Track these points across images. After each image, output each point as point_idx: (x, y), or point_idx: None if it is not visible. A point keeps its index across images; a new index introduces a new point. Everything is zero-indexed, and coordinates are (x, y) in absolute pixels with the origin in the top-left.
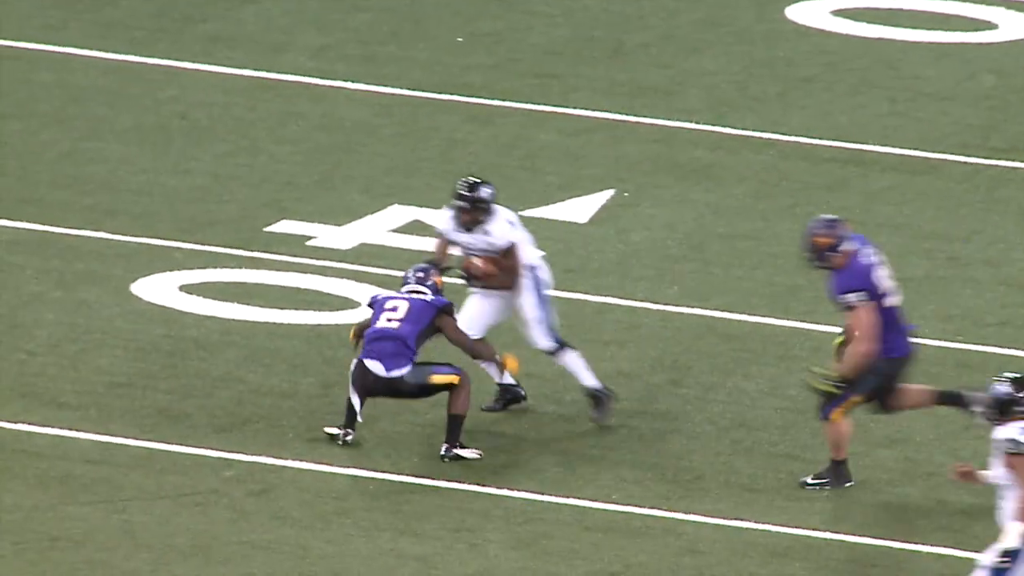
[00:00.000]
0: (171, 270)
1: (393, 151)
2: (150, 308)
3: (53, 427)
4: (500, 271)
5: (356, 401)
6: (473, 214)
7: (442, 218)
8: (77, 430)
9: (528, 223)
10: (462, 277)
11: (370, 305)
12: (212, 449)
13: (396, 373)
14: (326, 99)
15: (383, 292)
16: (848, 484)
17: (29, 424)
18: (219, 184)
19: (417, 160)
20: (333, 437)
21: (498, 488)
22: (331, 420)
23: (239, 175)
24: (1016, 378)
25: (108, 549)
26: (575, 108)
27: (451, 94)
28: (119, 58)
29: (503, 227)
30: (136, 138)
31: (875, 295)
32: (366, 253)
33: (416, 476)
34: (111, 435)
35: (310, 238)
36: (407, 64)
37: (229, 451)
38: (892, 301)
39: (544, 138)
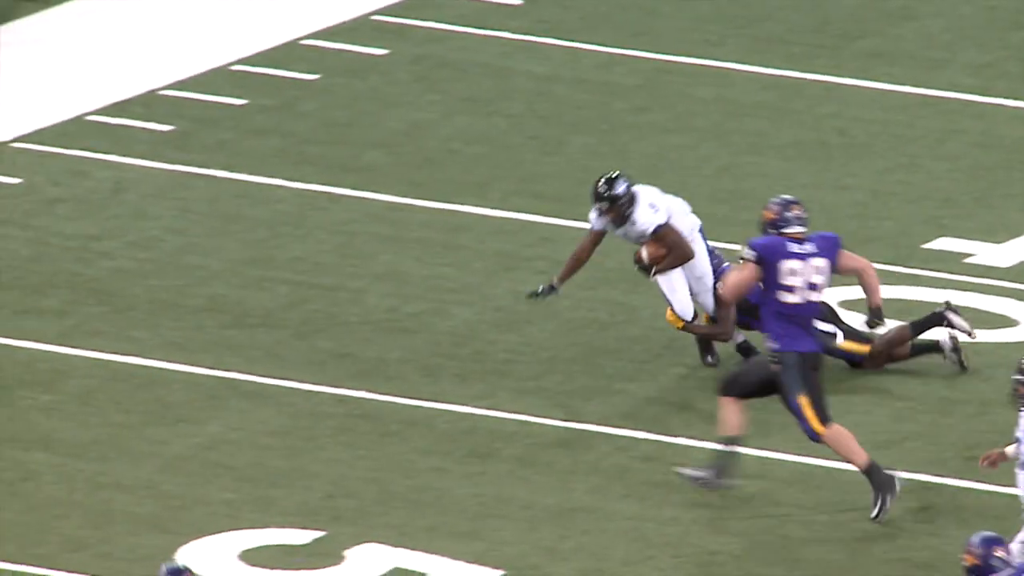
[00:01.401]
0: (829, 286)
1: None
2: None
3: (711, 442)
4: (667, 251)
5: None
6: (617, 210)
7: (592, 217)
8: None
9: None
10: (639, 269)
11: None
12: None
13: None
14: (986, 116)
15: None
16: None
17: (690, 439)
18: (877, 200)
19: None
20: None
21: None
22: (989, 440)
23: (898, 191)
24: None
25: (766, 564)
26: None
27: None
28: (778, 73)
29: (646, 214)
30: (795, 154)
31: (767, 269)
32: None
33: None
34: (770, 450)
35: (968, 255)
36: None
37: (887, 468)
38: (796, 299)
39: None
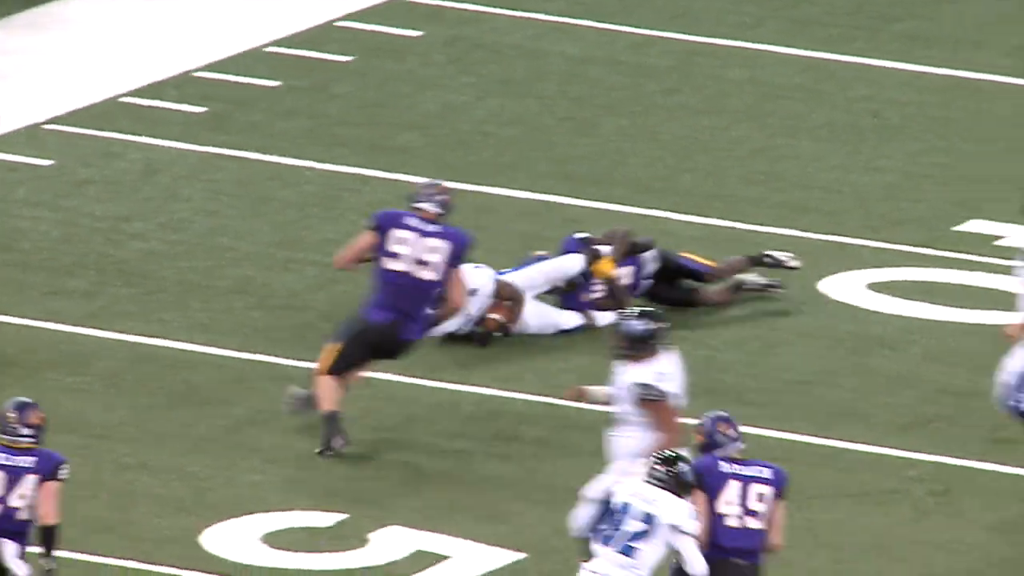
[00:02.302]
0: (859, 268)
1: None
2: (837, 306)
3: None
4: (511, 303)
5: None
6: None
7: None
8: (760, 427)
9: None
10: (485, 338)
11: None
12: (894, 448)
13: None
14: (1022, 98)
15: None
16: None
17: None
18: (910, 182)
19: None
20: None
21: None
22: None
23: (931, 174)
24: (649, 312)
25: (791, 547)
26: None
27: None
28: (813, 55)
29: (474, 274)
30: (828, 135)
31: (381, 236)
32: None
33: None
34: (794, 432)
35: (999, 238)
36: None
37: (911, 450)
38: (401, 267)
39: None
